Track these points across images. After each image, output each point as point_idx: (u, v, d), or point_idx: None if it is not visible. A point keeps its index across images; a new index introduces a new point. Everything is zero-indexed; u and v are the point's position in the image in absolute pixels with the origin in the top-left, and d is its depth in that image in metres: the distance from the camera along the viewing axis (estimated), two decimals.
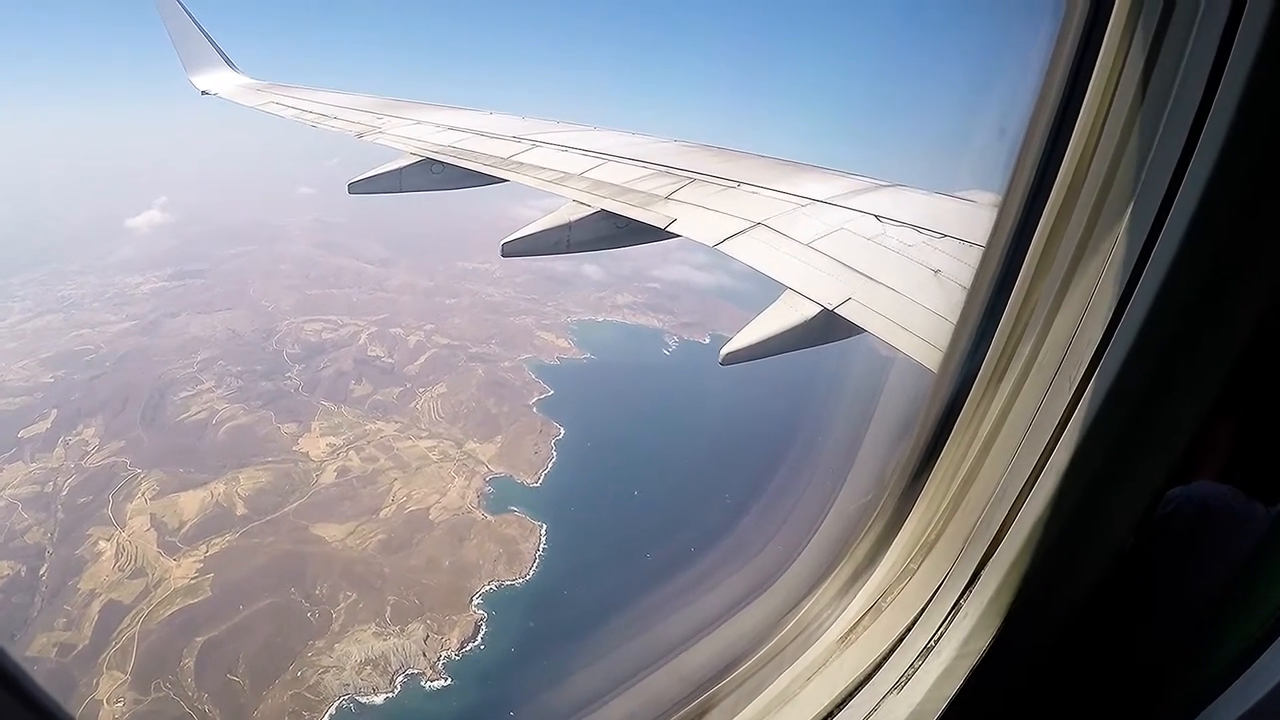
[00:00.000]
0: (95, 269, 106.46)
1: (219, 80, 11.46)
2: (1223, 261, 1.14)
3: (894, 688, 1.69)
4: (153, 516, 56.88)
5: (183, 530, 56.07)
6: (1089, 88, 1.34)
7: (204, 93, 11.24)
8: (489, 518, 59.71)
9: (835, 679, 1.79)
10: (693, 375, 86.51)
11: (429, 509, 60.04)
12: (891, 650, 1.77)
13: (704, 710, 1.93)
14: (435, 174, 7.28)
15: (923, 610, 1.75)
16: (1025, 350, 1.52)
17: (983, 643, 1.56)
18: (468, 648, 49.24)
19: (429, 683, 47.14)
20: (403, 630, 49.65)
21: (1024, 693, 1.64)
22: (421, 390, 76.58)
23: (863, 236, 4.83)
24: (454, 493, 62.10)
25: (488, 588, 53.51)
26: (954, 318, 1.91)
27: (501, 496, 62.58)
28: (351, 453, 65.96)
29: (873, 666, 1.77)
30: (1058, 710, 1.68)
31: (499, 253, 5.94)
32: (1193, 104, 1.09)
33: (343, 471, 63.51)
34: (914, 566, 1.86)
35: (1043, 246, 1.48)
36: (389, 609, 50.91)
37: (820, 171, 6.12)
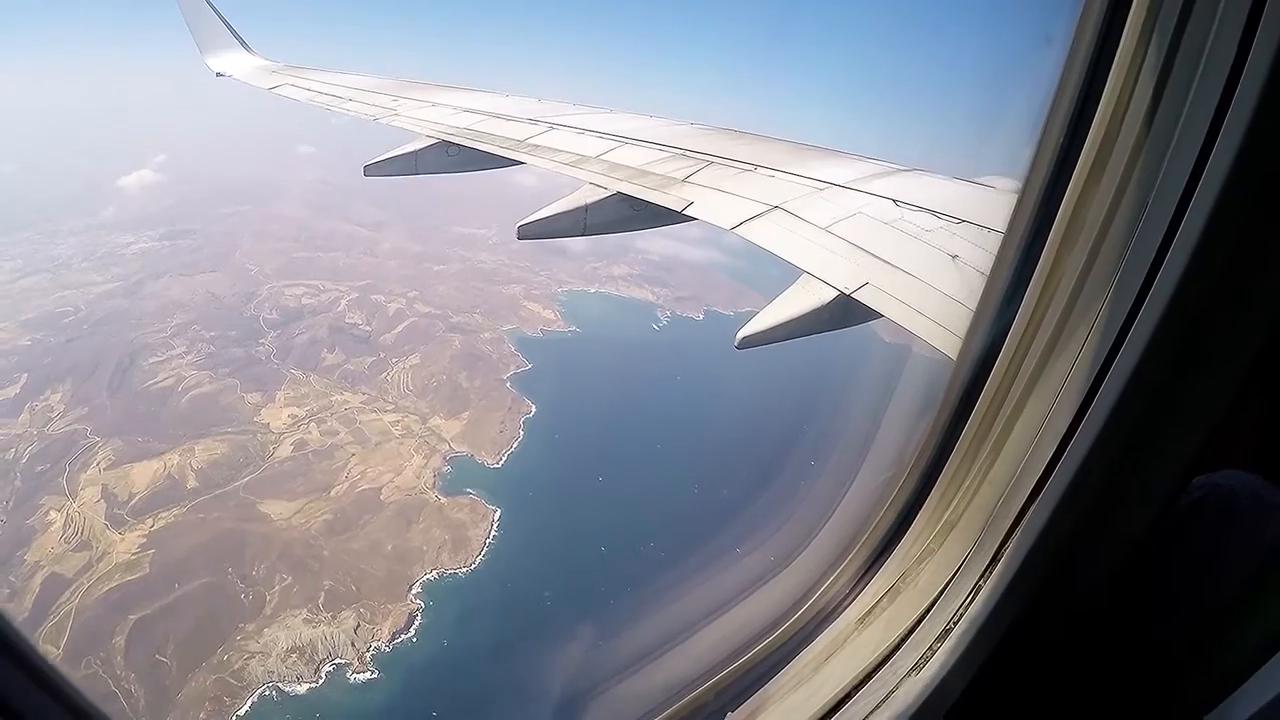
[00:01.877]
0: (88, 228, 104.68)
1: (234, 62, 11.07)
2: (1246, 247, 1.12)
3: (913, 669, 1.66)
4: (104, 487, 55.31)
5: (132, 503, 54.42)
6: (1110, 72, 1.32)
7: (219, 74, 10.91)
8: (442, 500, 56.90)
9: (853, 659, 1.77)
10: (680, 353, 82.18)
11: (381, 488, 57.40)
12: (910, 631, 1.75)
13: (720, 690, 1.88)
14: (451, 156, 7.19)
15: (942, 591, 1.72)
16: (1049, 330, 1.49)
17: (1002, 625, 1.54)
18: (399, 639, 46.88)
19: (355, 675, 45.01)
20: (334, 618, 47.39)
21: (1043, 677, 1.60)
22: (395, 360, 73.54)
23: (880, 221, 4.77)
24: (410, 471, 59.31)
25: (429, 576, 50.90)
26: (971, 303, 1.88)
27: (459, 477, 59.59)
28: (312, 425, 63.47)
29: (891, 647, 1.75)
30: (1076, 695, 1.63)
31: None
32: (1216, 89, 1.08)
33: (300, 445, 61.09)
34: (934, 547, 1.84)
35: (1065, 226, 1.45)
36: (323, 594, 48.65)
37: (837, 155, 6.05)
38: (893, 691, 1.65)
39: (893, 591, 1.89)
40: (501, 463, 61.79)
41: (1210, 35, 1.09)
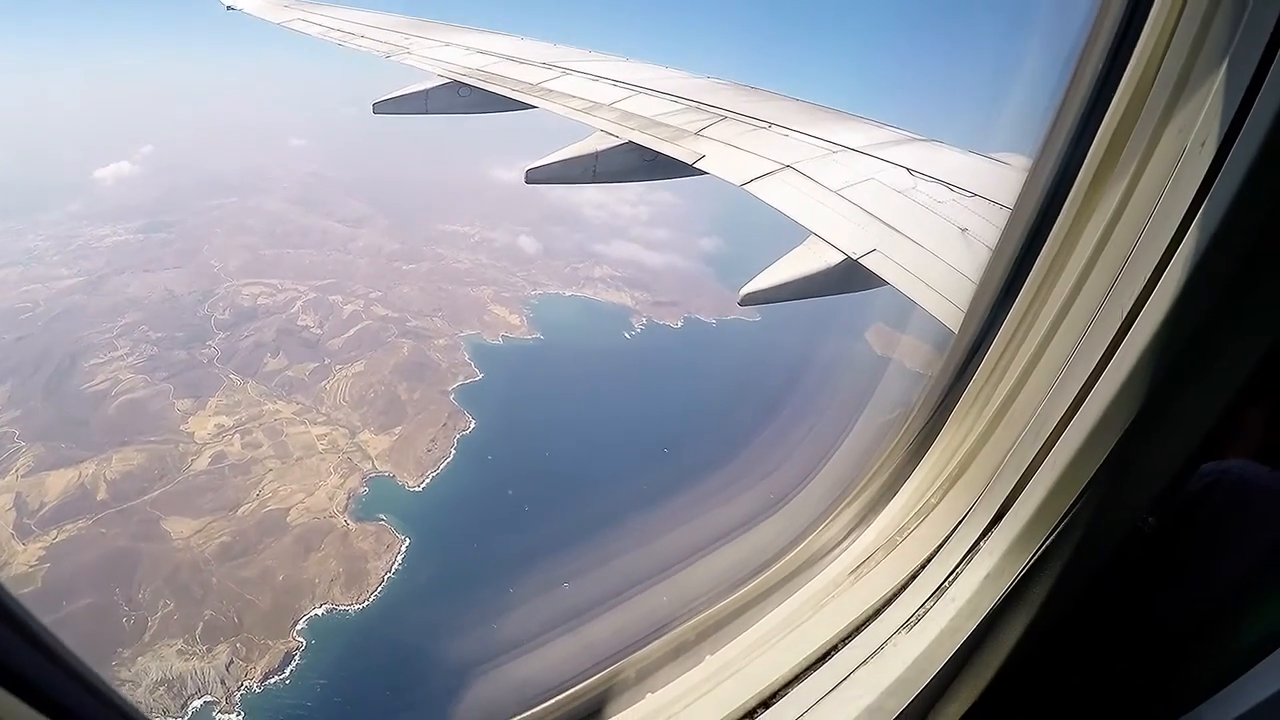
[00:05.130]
0: (66, 218, 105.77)
1: None
2: (1267, 235, 1.12)
3: (903, 626, 1.66)
4: (18, 495, 55.60)
5: (41, 512, 54.53)
6: (1134, 54, 1.33)
7: (229, 8, 10.84)
8: (350, 525, 55.06)
9: (843, 611, 1.76)
10: (649, 364, 78.67)
11: (289, 509, 55.94)
12: (903, 587, 1.74)
13: (703, 632, 1.84)
14: (462, 97, 7.23)
15: (939, 549, 1.73)
16: (1060, 297, 1.51)
17: (999, 589, 1.54)
18: (271, 680, 45.21)
19: (221, 714, 43.63)
20: (209, 651, 46.11)
21: (1038, 647, 1.59)
22: (338, 367, 72.06)
23: (892, 188, 4.84)
24: (323, 492, 57.68)
25: (316, 612, 49.02)
26: (978, 276, 1.91)
27: (374, 500, 57.59)
28: (237, 436, 62.51)
29: (883, 602, 1.74)
30: (1070, 671, 1.64)
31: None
32: (1245, 79, 1.08)
33: (218, 458, 60.20)
34: (934, 501, 1.83)
35: (1082, 197, 1.47)
36: (202, 624, 47.37)
37: (854, 119, 6.15)
38: (881, 648, 1.63)
39: (888, 544, 1.85)
40: (423, 486, 59.47)
41: (1240, 26, 1.08)
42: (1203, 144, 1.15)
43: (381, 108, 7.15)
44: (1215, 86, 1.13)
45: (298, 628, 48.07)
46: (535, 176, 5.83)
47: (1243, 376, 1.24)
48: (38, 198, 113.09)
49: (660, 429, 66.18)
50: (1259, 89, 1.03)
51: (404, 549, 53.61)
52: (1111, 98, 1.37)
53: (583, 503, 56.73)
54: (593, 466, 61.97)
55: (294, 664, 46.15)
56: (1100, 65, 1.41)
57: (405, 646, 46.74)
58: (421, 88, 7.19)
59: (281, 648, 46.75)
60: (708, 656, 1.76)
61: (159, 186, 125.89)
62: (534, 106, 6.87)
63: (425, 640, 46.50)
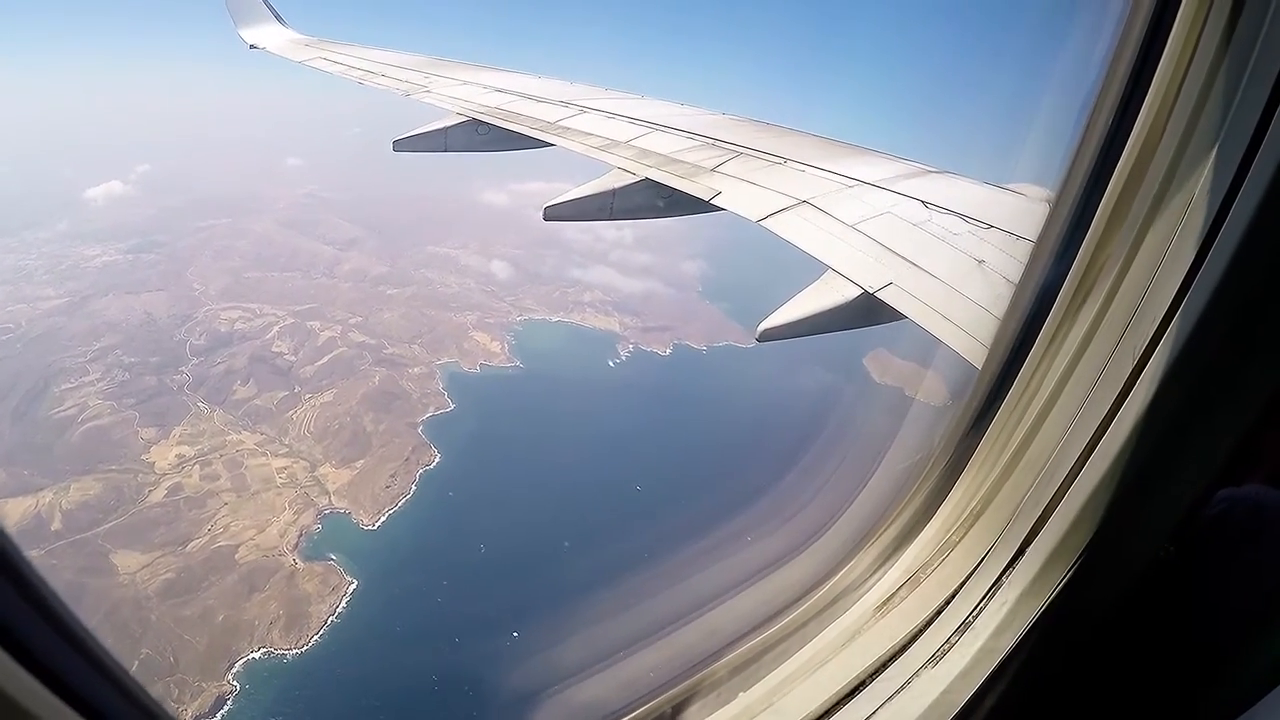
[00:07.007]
0: (59, 237, 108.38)
1: (267, 35, 11.50)
2: (1274, 274, 1.19)
3: (929, 661, 1.72)
4: None
5: None
6: (1150, 87, 1.39)
7: (252, 46, 11.33)
8: (298, 564, 55.40)
9: (869, 648, 1.83)
10: (630, 396, 78.11)
11: (239, 546, 56.50)
12: (928, 623, 1.80)
13: (732, 670, 1.92)
14: (480, 135, 7.47)
15: (962, 584, 1.79)
16: (1080, 332, 1.58)
17: (1022, 623, 1.61)
18: None
19: None
20: None
21: (1061, 678, 1.67)
22: (308, 396, 72.95)
23: (908, 221, 4.96)
24: (275, 528, 58.18)
25: (254, 655, 49.27)
26: (995, 309, 2.03)
27: (326, 538, 57.94)
28: (196, 468, 63.58)
29: (908, 638, 1.80)
30: (1094, 701, 1.70)
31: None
32: (1255, 114, 1.15)
33: (175, 490, 61.16)
34: (956, 539, 1.90)
35: (1101, 230, 1.52)
36: (137, 663, 47.77)
37: (868, 153, 6.28)
38: (908, 683, 1.69)
39: (912, 581, 1.92)
40: (379, 524, 59.58)
41: (1252, 57, 1.14)
42: (1211, 189, 1.21)
43: (401, 146, 7.40)
44: (1224, 131, 1.20)
45: (233, 671, 48.31)
46: (553, 214, 5.98)
47: (1255, 409, 1.30)
48: (32, 214, 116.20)
49: (633, 465, 65.75)
50: (1264, 134, 1.11)
51: (350, 591, 53.72)
52: (1126, 140, 1.41)
53: (539, 546, 56.55)
54: (558, 503, 61.64)
55: (226, 708, 46.36)
56: (1119, 95, 1.45)
57: (340, 695, 46.98)
58: (441, 125, 7.44)
59: (214, 690, 47.01)
60: (740, 694, 1.82)
61: (154, 206, 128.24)
62: (552, 144, 7.11)
63: (358, 691, 46.64)
